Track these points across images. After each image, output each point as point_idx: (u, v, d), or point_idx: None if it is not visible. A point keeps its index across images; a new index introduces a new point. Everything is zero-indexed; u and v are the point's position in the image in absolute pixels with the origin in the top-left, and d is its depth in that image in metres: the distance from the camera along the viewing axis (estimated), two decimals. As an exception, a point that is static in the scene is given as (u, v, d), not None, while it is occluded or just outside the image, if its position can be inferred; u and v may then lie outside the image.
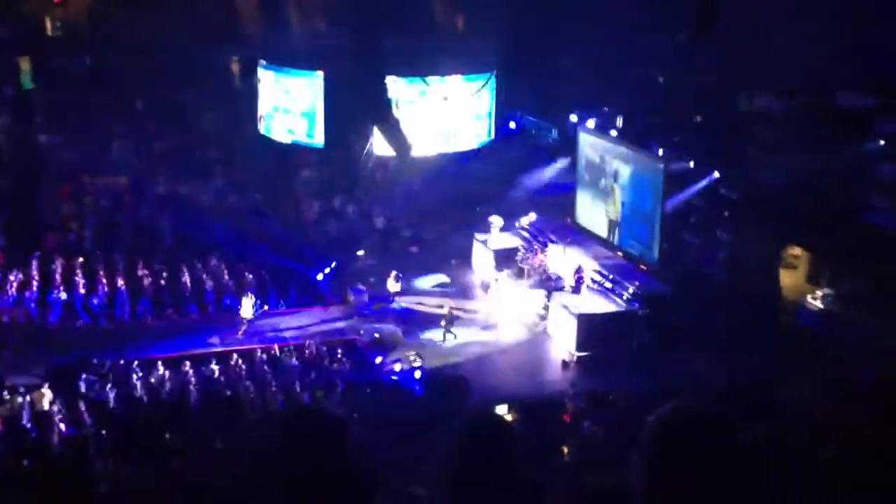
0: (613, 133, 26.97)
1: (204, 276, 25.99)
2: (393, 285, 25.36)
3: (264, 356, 21.90)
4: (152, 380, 20.47)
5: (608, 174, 26.82)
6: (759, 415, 16.56)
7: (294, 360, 21.77)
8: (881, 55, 21.97)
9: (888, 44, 21.31)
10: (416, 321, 24.70)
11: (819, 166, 22.93)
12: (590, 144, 27.85)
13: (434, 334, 23.81)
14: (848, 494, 14.90)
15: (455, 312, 24.18)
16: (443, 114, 29.57)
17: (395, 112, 28.90)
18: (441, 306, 24.41)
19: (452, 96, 29.07)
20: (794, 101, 24.75)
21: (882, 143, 22.12)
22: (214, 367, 21.05)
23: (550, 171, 30.32)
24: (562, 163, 29.99)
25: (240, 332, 23.20)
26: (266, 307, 24.62)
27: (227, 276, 26.12)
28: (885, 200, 22.48)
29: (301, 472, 3.42)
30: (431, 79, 28.43)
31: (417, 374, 21.28)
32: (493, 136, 30.80)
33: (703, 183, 25.04)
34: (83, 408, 19.05)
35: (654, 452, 3.12)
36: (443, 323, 23.74)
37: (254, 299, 23.85)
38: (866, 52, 22.34)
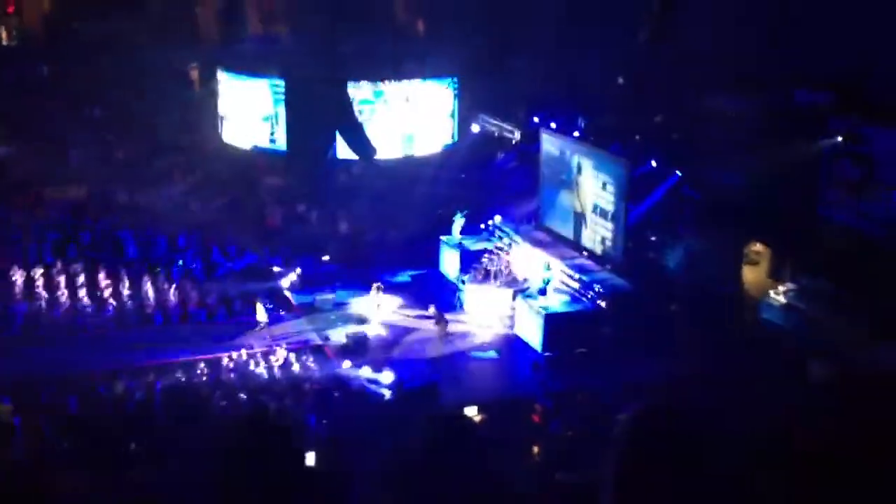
0: (576, 134, 27.11)
1: (166, 284, 25.75)
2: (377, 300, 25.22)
3: (231, 364, 21.73)
4: (117, 390, 20.22)
5: (571, 169, 26.94)
6: (723, 410, 16.70)
7: (262, 366, 21.60)
8: (837, 52, 22.29)
9: (844, 40, 21.62)
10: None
11: (778, 163, 23.21)
12: (552, 144, 27.96)
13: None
14: (813, 484, 15.03)
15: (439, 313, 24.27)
16: (405, 117, 29.60)
17: (357, 116, 28.93)
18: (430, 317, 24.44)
19: (414, 99, 29.09)
20: (753, 98, 25.03)
21: (839, 139, 22.41)
22: (180, 375, 20.84)
23: (506, 163, 30.58)
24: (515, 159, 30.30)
25: (260, 331, 23.85)
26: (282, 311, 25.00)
27: (190, 285, 25.89)
28: (842, 196, 22.80)
29: (253, 479, 3.40)
30: (392, 83, 28.45)
31: (387, 378, 21.22)
32: (456, 139, 30.87)
33: (667, 183, 25.24)
34: (45, 420, 18.79)
35: (626, 448, 3.14)
36: (434, 325, 23.89)
37: (267, 304, 24.57)
38: (822, 49, 22.66)
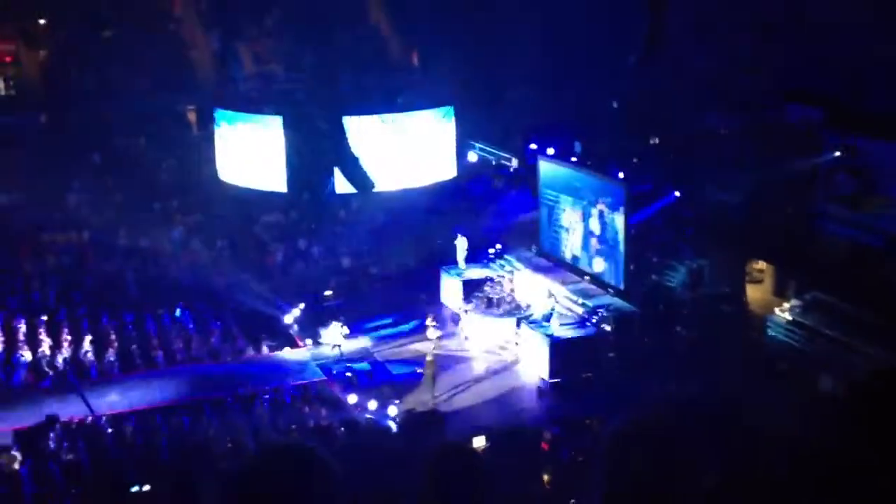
0: (573, 159, 27.19)
1: (170, 327, 25.73)
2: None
3: (236, 403, 21.65)
4: (124, 434, 20.16)
5: (570, 194, 27.00)
6: (724, 429, 16.61)
7: (266, 404, 21.52)
8: (827, 67, 22.42)
9: (833, 57, 21.76)
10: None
11: (775, 179, 23.28)
12: (550, 172, 28.04)
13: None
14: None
15: (437, 353, 23.87)
16: (404, 149, 29.69)
17: (354, 149, 28.96)
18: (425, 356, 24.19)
19: (413, 130, 29.23)
20: (745, 116, 25.15)
21: (836, 154, 22.46)
22: (185, 417, 20.77)
23: (505, 190, 30.65)
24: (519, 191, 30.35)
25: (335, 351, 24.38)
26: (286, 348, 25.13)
27: (193, 325, 25.88)
28: (841, 209, 22.83)
29: None
30: (388, 115, 28.57)
31: (392, 412, 21.13)
32: (455, 168, 30.94)
33: (665, 203, 25.29)
34: (54, 467, 18.71)
35: (608, 467, 3.14)
36: (427, 371, 23.09)
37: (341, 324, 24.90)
38: (813, 66, 22.80)
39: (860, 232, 22.04)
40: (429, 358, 23.24)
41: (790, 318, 23.02)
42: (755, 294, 24.57)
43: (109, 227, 30.35)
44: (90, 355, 24.04)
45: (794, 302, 23.19)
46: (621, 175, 25.24)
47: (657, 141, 27.12)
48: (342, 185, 29.49)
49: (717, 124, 25.41)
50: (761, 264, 24.75)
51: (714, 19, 25.46)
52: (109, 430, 20.18)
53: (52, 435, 19.71)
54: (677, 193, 25.09)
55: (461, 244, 28.16)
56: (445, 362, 24.03)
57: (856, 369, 20.07)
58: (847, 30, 21.81)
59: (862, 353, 20.24)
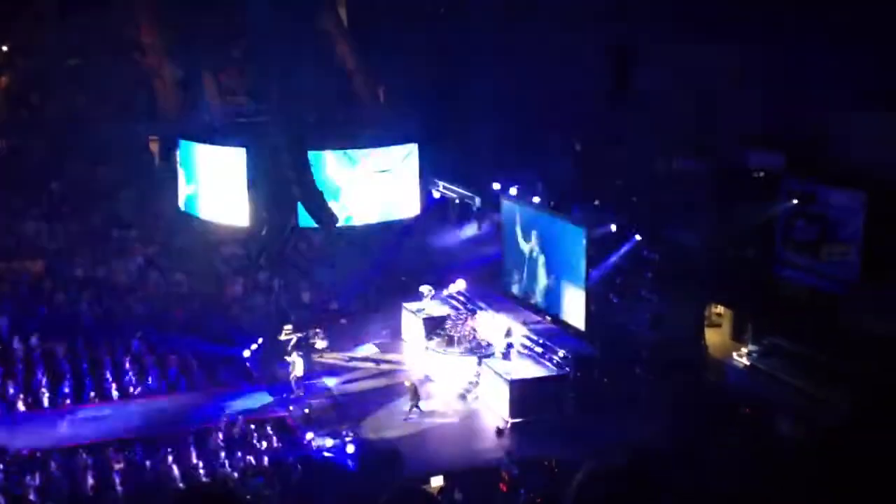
0: (536, 199, 27.34)
1: (126, 358, 25.29)
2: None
3: (191, 438, 21.27)
4: (75, 468, 19.69)
5: (532, 234, 27.13)
6: (681, 474, 16.65)
7: (221, 439, 21.17)
8: (788, 114, 22.81)
9: (795, 103, 22.16)
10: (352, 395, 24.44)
11: (734, 224, 23.54)
12: (513, 212, 28.18)
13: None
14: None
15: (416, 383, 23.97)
16: (367, 185, 29.72)
17: (317, 184, 28.92)
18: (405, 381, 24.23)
19: (377, 166, 29.28)
20: (707, 162, 25.43)
21: (795, 202, 22.76)
22: (139, 452, 20.37)
23: (468, 232, 30.76)
24: (474, 228, 30.49)
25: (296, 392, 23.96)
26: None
27: (149, 358, 25.47)
28: (799, 255, 23.11)
29: None
30: (354, 151, 28.58)
31: (350, 449, 20.88)
32: (419, 206, 30.99)
33: (627, 246, 25.44)
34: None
35: None
36: (408, 396, 23.44)
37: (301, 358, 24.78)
38: (775, 111, 23.19)
39: (818, 278, 22.30)
40: (407, 383, 23.85)
41: (748, 362, 23.18)
42: (713, 338, 24.75)
43: (66, 256, 29.93)
44: (43, 387, 23.53)
45: (752, 346, 23.37)
46: (583, 217, 25.42)
47: (620, 183, 27.32)
48: (304, 219, 29.54)
49: (679, 167, 25.69)
50: (720, 308, 24.95)
51: (679, 65, 25.88)
52: (57, 464, 19.71)
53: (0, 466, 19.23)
54: (638, 237, 25.27)
55: (425, 288, 28.14)
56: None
57: (813, 414, 20.27)
58: (809, 79, 22.26)
59: (819, 399, 20.41)
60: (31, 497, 18.61)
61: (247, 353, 26.04)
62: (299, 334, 26.00)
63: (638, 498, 3.20)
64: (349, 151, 29.19)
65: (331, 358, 26.66)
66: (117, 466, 19.71)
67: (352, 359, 26.70)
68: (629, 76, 27.15)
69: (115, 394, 23.82)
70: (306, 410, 23.17)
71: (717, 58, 24.79)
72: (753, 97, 24.06)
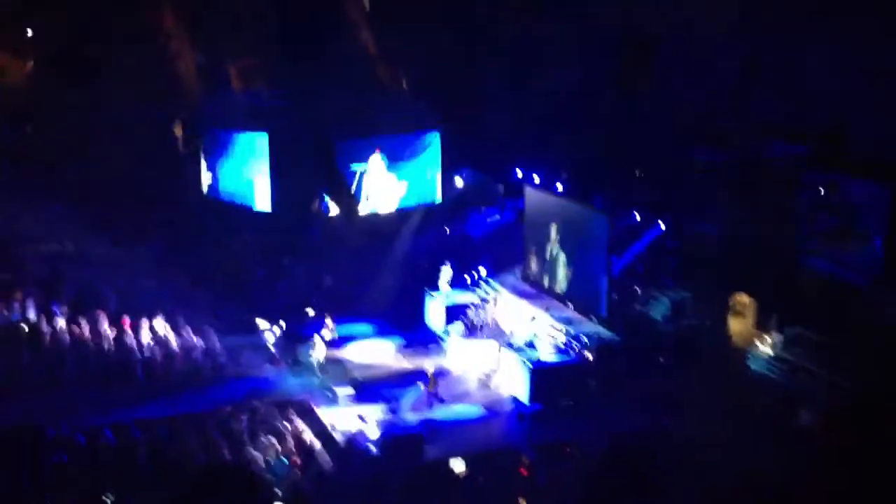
0: (559, 187, 27.33)
1: (151, 340, 25.49)
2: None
3: (215, 420, 21.43)
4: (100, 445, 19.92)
5: (555, 222, 27.13)
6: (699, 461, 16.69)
7: (245, 421, 21.31)
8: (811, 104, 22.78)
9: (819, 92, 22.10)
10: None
11: (758, 214, 23.52)
12: (535, 200, 28.19)
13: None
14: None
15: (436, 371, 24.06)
16: (391, 172, 29.89)
17: (341, 170, 29.11)
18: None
19: (400, 154, 29.44)
20: (730, 151, 25.42)
21: (822, 191, 22.72)
22: (163, 431, 20.57)
23: (490, 219, 30.81)
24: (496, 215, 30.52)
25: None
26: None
27: (174, 340, 25.66)
28: (823, 245, 23.09)
29: None
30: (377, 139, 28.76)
31: (372, 433, 20.99)
32: (441, 192, 31.10)
33: (651, 235, 25.46)
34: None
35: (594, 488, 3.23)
36: (429, 387, 23.39)
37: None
38: (797, 101, 23.15)
39: (842, 269, 22.27)
40: (429, 369, 24.04)
41: (771, 352, 23.15)
42: (736, 327, 24.70)
43: (87, 238, 30.10)
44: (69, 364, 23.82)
45: (776, 336, 23.32)
46: (606, 206, 25.44)
47: (642, 172, 27.33)
48: (326, 204, 29.75)
49: (702, 157, 25.68)
50: (744, 297, 24.91)
51: (700, 56, 25.84)
52: (84, 442, 19.93)
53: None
54: (662, 226, 25.28)
55: (445, 270, 28.21)
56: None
57: (835, 404, 20.24)
58: (831, 70, 22.22)
59: (843, 388, 20.40)
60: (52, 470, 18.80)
61: (269, 337, 26.17)
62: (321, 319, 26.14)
63: (654, 482, 3.26)
64: (371, 139, 29.39)
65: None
66: (141, 444, 19.90)
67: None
68: (649, 65, 27.17)
69: (138, 373, 24.04)
70: (328, 395, 23.33)
71: (740, 48, 24.73)
72: (775, 87, 24.01)
